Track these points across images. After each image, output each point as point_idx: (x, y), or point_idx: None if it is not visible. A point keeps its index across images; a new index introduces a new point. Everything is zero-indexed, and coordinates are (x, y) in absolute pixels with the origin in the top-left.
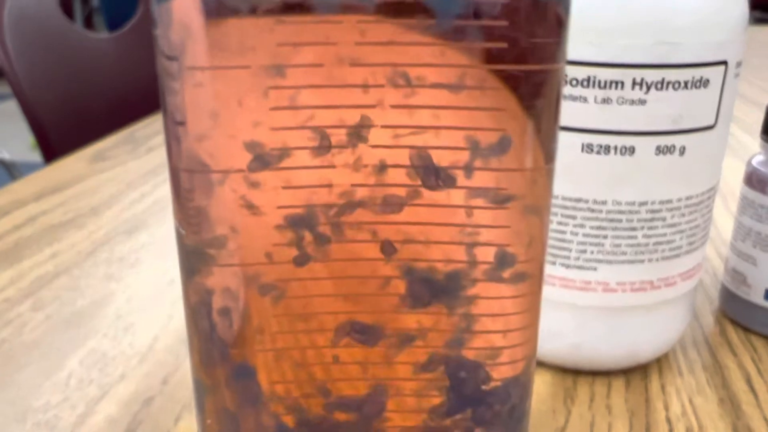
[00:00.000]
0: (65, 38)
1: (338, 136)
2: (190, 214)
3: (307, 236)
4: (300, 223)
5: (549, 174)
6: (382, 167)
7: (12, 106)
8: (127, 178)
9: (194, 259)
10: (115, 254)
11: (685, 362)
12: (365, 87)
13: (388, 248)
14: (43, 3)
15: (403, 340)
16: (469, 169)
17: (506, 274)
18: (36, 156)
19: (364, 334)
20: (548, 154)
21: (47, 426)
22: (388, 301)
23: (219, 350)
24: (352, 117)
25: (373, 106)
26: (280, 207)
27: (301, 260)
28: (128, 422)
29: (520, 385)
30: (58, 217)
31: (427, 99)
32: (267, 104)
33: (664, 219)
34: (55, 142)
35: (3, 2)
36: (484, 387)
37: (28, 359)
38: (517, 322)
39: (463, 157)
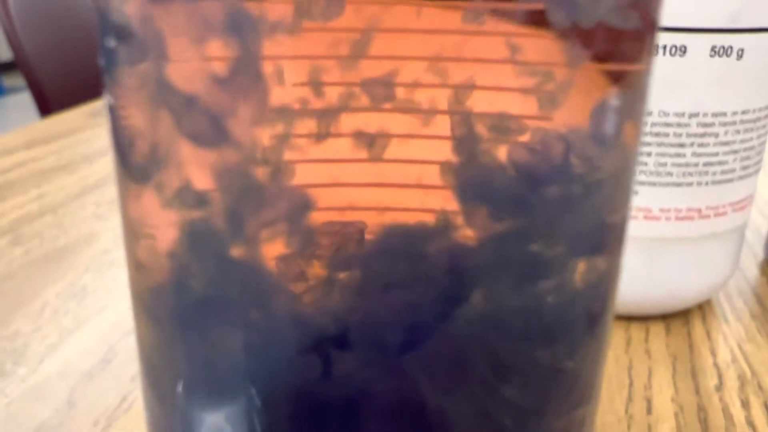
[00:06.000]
0: (71, 6)
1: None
2: None
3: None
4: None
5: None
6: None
7: (25, 98)
8: None
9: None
10: (105, 197)
11: (731, 310)
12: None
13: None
14: None
15: None
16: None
17: None
18: None
19: None
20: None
21: (14, 353)
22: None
23: None
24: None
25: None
26: None
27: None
28: (104, 353)
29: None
30: (49, 163)
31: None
32: None
33: (716, 135)
34: (56, 108)
35: None
36: None
37: None
38: None
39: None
